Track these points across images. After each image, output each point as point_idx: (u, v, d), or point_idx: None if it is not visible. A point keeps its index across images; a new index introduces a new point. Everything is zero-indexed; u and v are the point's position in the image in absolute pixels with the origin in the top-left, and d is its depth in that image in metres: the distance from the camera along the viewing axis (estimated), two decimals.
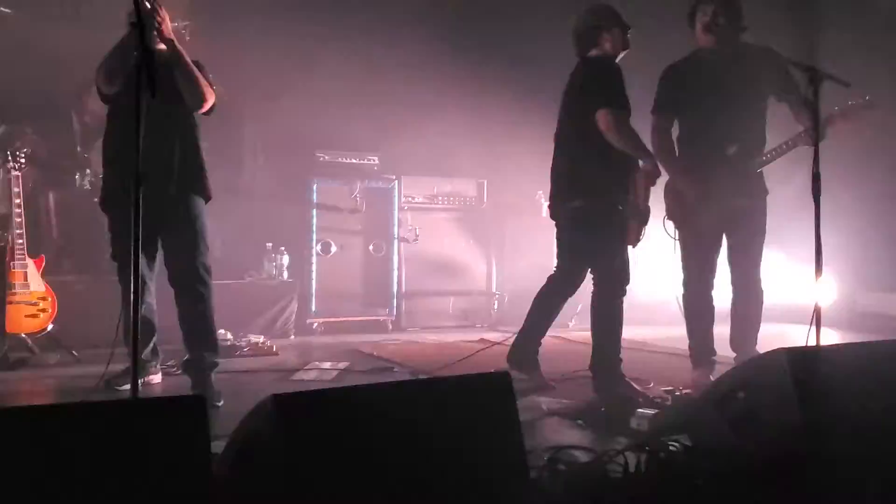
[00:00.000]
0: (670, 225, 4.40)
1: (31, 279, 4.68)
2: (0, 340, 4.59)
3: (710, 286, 4.36)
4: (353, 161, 6.64)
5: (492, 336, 6.65)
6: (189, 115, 3.91)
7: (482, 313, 7.04)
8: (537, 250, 7.16)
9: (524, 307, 7.07)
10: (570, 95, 4.28)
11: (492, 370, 2.27)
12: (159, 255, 3.98)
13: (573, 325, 6.42)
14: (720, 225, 4.30)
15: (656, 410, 3.42)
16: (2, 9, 6.00)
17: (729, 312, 4.46)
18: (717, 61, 4.25)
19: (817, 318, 3.50)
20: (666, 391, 3.77)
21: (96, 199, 4.17)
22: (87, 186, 5.59)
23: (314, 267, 6.41)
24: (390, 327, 6.62)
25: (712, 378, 3.99)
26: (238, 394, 3.95)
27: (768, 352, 2.92)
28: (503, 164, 8.85)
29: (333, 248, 6.43)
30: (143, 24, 2.46)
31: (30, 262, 4.69)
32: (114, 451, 1.75)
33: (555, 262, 4.64)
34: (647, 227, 4.14)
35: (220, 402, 3.77)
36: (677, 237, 4.38)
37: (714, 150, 4.23)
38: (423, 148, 6.33)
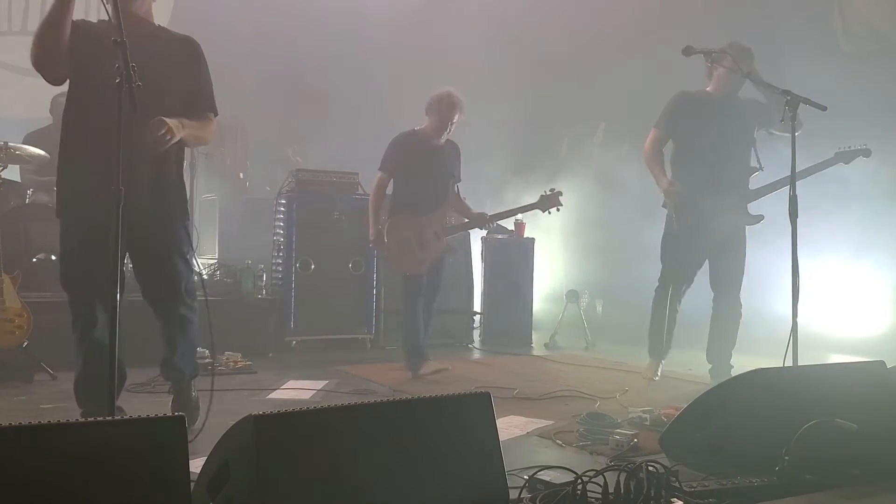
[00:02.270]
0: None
1: (6, 295, 4.62)
2: None
3: (679, 299, 5.01)
4: (334, 179, 6.63)
5: (473, 355, 6.67)
6: (172, 115, 3.38)
7: (463, 332, 7.04)
8: (516, 268, 7.20)
9: (505, 325, 7.12)
10: None
11: (472, 390, 2.27)
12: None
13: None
14: (705, 248, 4.90)
15: (635, 431, 3.44)
16: None
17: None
18: (717, 102, 4.89)
19: (794, 337, 3.58)
20: (644, 411, 3.78)
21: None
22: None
23: (293, 284, 6.38)
24: (369, 345, 6.59)
25: (662, 364, 5.12)
26: (215, 412, 3.91)
27: (746, 372, 2.95)
28: (482, 183, 8.90)
29: (312, 266, 6.41)
30: (125, 43, 2.45)
31: (6, 278, 4.64)
32: (93, 470, 1.74)
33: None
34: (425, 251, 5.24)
35: (197, 419, 3.63)
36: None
37: (704, 179, 4.82)
38: None
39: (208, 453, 2.05)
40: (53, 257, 5.66)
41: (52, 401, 4.18)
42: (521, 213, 5.87)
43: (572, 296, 7.15)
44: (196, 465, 2.00)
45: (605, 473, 2.34)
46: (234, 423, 1.95)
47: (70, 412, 3.42)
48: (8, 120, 7.42)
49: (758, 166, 4.93)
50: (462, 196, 5.72)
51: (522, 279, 7.20)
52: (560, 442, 3.46)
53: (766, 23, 7.36)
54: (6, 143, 5.32)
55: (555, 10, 8.95)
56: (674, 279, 5.01)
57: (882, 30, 7.28)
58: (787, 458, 2.59)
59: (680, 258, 4.95)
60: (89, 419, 1.90)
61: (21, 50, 3.23)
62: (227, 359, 5.32)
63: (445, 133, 5.31)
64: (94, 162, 3.15)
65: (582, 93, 8.65)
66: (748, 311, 5.10)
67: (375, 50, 8.99)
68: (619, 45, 8.17)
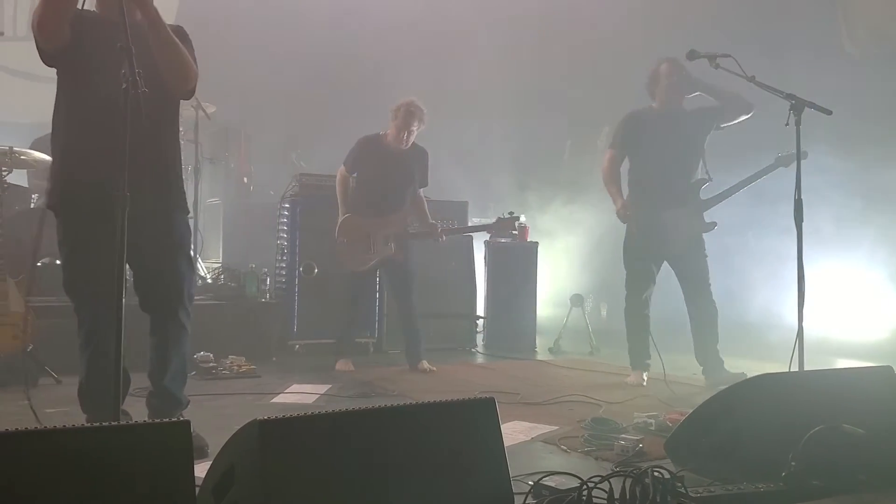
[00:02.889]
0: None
1: (10, 299, 4.63)
2: None
3: (647, 302, 5.31)
4: None
5: (476, 359, 6.66)
6: (171, 111, 3.36)
7: (466, 336, 7.03)
8: (520, 272, 7.19)
9: (508, 329, 7.10)
10: None
11: (476, 395, 2.26)
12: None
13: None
14: (664, 255, 5.25)
15: (641, 436, 3.43)
16: None
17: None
18: (665, 116, 5.21)
19: (801, 342, 3.56)
20: (650, 416, 3.76)
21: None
22: None
23: (296, 288, 6.38)
24: (372, 349, 6.58)
25: (646, 377, 5.19)
26: (220, 416, 3.92)
27: (753, 377, 2.94)
28: (486, 187, 8.91)
29: (316, 270, 6.40)
30: (132, 49, 2.45)
31: (10, 282, 4.64)
32: (97, 475, 1.74)
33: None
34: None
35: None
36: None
37: (658, 191, 5.18)
38: None
39: (213, 458, 2.05)
40: (58, 262, 5.67)
41: (56, 405, 4.18)
42: (476, 232, 6.31)
43: (577, 300, 7.14)
44: (201, 469, 2.00)
45: (610, 479, 2.33)
46: (238, 427, 1.95)
47: (74, 416, 3.42)
48: (15, 125, 7.45)
49: (707, 178, 5.27)
50: (426, 200, 5.93)
51: (526, 283, 7.19)
52: (565, 447, 3.44)
53: (769, 26, 7.35)
54: (11, 147, 5.33)
55: (558, 11, 8.95)
56: (640, 282, 5.31)
57: (887, 32, 7.27)
58: (793, 463, 2.58)
59: (640, 262, 5.29)
60: (94, 424, 1.89)
61: (27, 55, 3.19)
62: (231, 363, 5.32)
63: (404, 140, 5.58)
64: (91, 155, 3.08)
65: (585, 96, 8.64)
66: (756, 315, 5.21)
67: (379, 54, 9.00)
68: (622, 48, 8.15)
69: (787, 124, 3.81)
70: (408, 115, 5.52)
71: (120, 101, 2.48)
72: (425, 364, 5.69)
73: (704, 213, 5.23)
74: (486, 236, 7.33)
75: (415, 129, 5.58)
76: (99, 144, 2.99)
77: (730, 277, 6.78)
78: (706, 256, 5.25)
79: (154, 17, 2.99)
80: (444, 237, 5.85)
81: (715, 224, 5.24)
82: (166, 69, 3.09)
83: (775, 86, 3.97)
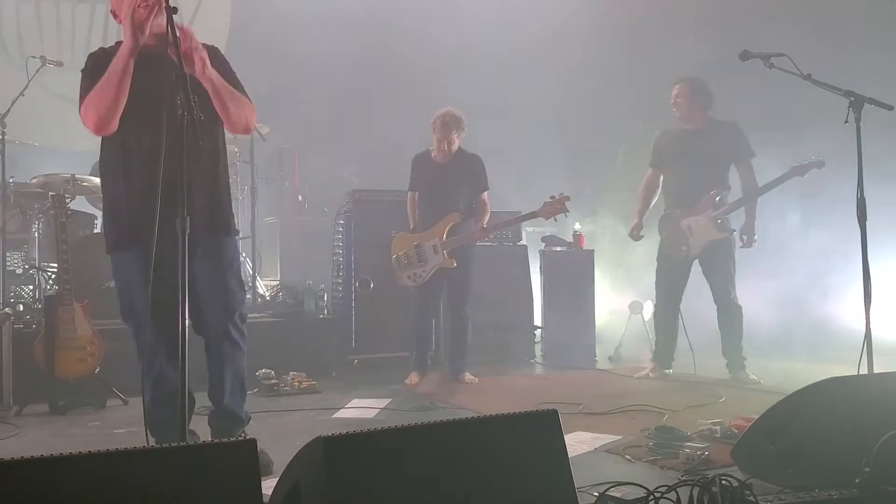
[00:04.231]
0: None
1: (77, 323, 4.76)
2: (50, 386, 4.67)
3: (676, 308, 5.73)
4: (390, 198, 6.66)
5: (536, 370, 6.62)
6: (217, 140, 3.36)
7: (524, 347, 6.99)
8: (576, 281, 7.12)
9: (567, 339, 7.03)
10: None
11: (538, 407, 2.25)
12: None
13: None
14: (685, 258, 5.64)
15: (706, 444, 3.37)
16: (49, 61, 6.18)
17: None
18: (689, 132, 5.65)
19: (868, 343, 3.47)
20: (714, 423, 3.70)
21: None
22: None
23: (353, 303, 6.43)
24: (429, 362, 6.57)
25: (668, 372, 5.76)
26: (283, 433, 3.97)
27: (820, 381, 2.86)
28: (539, 198, 8.85)
29: (372, 285, 6.45)
30: (185, 76, 2.50)
31: (77, 306, 4.77)
32: (166, 495, 1.77)
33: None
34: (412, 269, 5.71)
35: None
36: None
37: (686, 199, 5.62)
38: None
39: (279, 475, 2.07)
40: None
41: (124, 425, 4.28)
42: (523, 221, 6.03)
43: (635, 307, 7.05)
44: (266, 486, 2.02)
45: (677, 489, 2.30)
46: (302, 443, 1.97)
47: (143, 436, 3.48)
48: (75, 153, 7.64)
49: (726, 186, 5.60)
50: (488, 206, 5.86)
51: (583, 292, 7.11)
52: (629, 457, 3.40)
53: (827, 17, 7.18)
54: (73, 175, 5.49)
55: (606, 12, 8.89)
56: (667, 287, 5.76)
57: None
58: (867, 469, 2.51)
59: (667, 267, 5.76)
60: (162, 445, 1.92)
61: None
62: (293, 379, 5.38)
63: (446, 150, 5.67)
64: (144, 184, 3.12)
65: (637, 99, 8.55)
66: (825, 316, 5.19)
67: (433, 71, 9.04)
68: (676, 47, 8.05)
69: (846, 121, 3.73)
70: (444, 126, 5.62)
71: (167, 131, 2.58)
72: (468, 376, 5.75)
73: (724, 220, 5.50)
74: (540, 245, 7.30)
75: (455, 137, 5.65)
76: (151, 174, 3.01)
77: (799, 278, 6.67)
78: (730, 263, 5.56)
79: (215, 80, 3.04)
80: (489, 235, 5.94)
81: (732, 231, 5.51)
82: (225, 118, 3.13)
83: (832, 82, 3.88)
